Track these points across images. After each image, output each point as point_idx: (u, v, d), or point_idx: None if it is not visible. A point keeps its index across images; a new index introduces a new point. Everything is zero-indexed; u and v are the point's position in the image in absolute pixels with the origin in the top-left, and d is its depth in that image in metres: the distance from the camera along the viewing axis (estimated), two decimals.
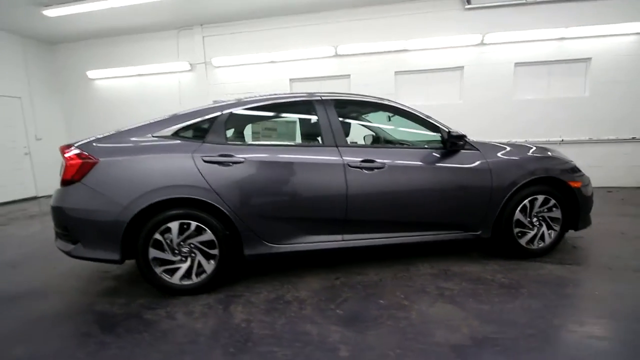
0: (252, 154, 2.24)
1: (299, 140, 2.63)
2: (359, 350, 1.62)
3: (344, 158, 2.31)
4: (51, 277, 2.68)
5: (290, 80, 6.39)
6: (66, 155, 2.14)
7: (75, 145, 2.22)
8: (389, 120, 2.90)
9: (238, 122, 2.49)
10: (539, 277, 2.35)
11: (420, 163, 2.44)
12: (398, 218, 2.45)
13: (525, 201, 2.57)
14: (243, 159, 2.19)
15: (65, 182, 2.13)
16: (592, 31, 5.25)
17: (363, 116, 3.00)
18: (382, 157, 2.38)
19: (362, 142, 3.14)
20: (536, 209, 2.62)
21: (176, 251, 2.17)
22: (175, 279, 2.18)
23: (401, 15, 5.80)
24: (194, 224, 2.14)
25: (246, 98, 2.48)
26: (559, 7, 5.30)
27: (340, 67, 6.18)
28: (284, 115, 2.58)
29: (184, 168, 2.13)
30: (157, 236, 2.11)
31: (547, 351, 1.58)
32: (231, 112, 2.35)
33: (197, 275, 2.20)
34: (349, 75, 6.19)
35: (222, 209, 2.15)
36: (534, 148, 2.78)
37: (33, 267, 2.93)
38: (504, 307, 1.97)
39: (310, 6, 5.84)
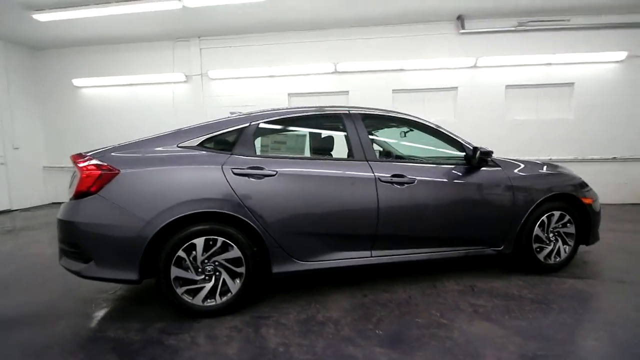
0: (284, 166, 2.16)
1: (307, 153, 2.59)
2: None
3: (375, 172, 2.28)
4: (48, 298, 2.41)
5: (289, 94, 6.39)
6: (81, 165, 1.98)
7: (90, 154, 2.07)
8: (404, 135, 2.93)
9: (266, 134, 2.41)
10: (563, 292, 2.37)
11: (448, 179, 2.45)
12: (426, 234, 2.43)
13: (544, 217, 2.63)
14: (274, 172, 2.11)
15: (78, 195, 1.95)
16: (576, 58, 5.64)
17: (380, 131, 3.01)
18: (411, 172, 2.37)
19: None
20: (553, 225, 2.68)
21: (199, 270, 2.02)
22: (198, 299, 2.02)
23: (399, 36, 5.99)
24: (220, 240, 2.01)
25: (272, 110, 2.42)
26: (547, 34, 5.68)
27: (339, 84, 6.25)
28: (311, 127, 2.54)
29: (214, 180, 2.02)
30: (181, 253, 1.96)
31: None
32: (259, 124, 2.27)
33: (221, 295, 2.06)
34: (347, 92, 6.27)
35: (252, 225, 2.04)
36: (546, 165, 2.87)
37: (25, 287, 2.65)
38: (540, 324, 1.96)
39: (310, 24, 5.93)
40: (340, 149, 2.93)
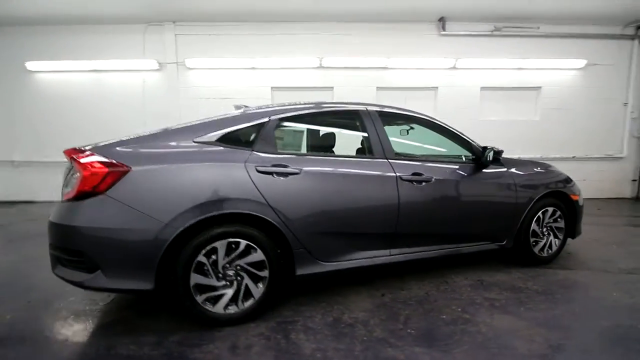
0: (308, 165, 2.06)
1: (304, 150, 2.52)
2: None
3: (396, 171, 2.27)
4: (33, 314, 2.09)
5: (272, 88, 6.19)
6: (83, 161, 1.73)
7: (90, 148, 1.82)
8: (407, 133, 2.96)
9: (285, 130, 2.28)
10: (560, 283, 2.55)
11: (461, 177, 2.51)
12: (440, 231, 2.47)
13: (539, 213, 2.81)
14: (299, 170, 2.01)
15: (80, 195, 1.70)
16: (543, 64, 6.09)
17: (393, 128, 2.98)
18: (428, 171, 2.39)
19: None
20: (546, 220, 2.87)
21: (220, 275, 1.87)
22: (219, 307, 1.87)
23: (383, 34, 6.05)
24: (243, 242, 1.87)
25: (290, 105, 2.29)
26: (519, 40, 6.07)
27: (324, 79, 6.18)
28: (330, 124, 2.45)
29: (237, 179, 1.87)
30: (201, 258, 1.80)
31: (618, 351, 1.70)
32: (280, 119, 2.15)
33: (243, 301, 1.93)
34: (332, 88, 6.22)
35: (277, 226, 1.93)
36: (539, 163, 3.06)
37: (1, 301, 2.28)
38: (553, 314, 2.09)
39: (295, 15, 5.78)
40: (345, 145, 2.90)
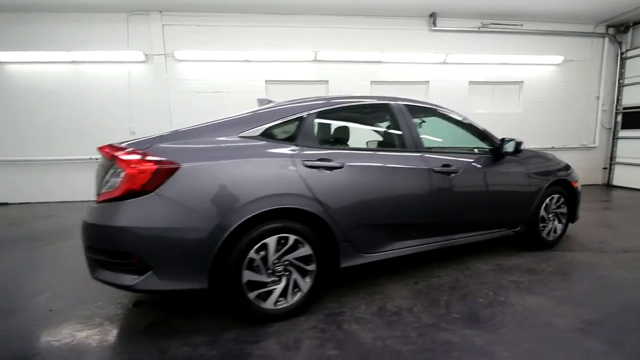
0: (349, 158, 2.07)
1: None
2: (511, 348, 1.65)
3: (428, 163, 2.33)
4: (62, 322, 1.96)
5: (267, 82, 6.07)
6: (127, 158, 1.64)
7: (130, 145, 1.73)
8: (420, 126, 3.04)
9: (323, 124, 2.26)
10: (570, 264, 2.76)
11: (484, 168, 2.63)
12: (465, 220, 2.58)
13: (547, 200, 3.00)
14: (341, 164, 2.02)
15: (126, 194, 1.62)
16: (525, 59, 6.43)
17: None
18: (454, 162, 2.48)
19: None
20: (552, 206, 3.08)
21: (270, 271, 1.85)
22: (270, 303, 1.86)
23: (377, 29, 6.10)
24: (292, 237, 1.87)
25: (322, 98, 2.28)
26: (503, 37, 6.35)
27: (319, 73, 6.15)
28: (364, 117, 2.47)
29: (287, 174, 1.85)
30: (253, 255, 1.77)
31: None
32: (318, 113, 2.13)
33: (292, 295, 1.92)
34: (327, 81, 6.20)
35: (325, 220, 1.93)
36: (543, 153, 3.26)
37: (24, 311, 2.11)
38: (575, 292, 2.27)
39: (289, 8, 5.68)
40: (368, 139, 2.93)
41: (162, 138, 1.79)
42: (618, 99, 6.73)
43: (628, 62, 6.51)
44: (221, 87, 5.98)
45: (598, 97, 6.83)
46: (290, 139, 2.01)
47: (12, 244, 3.55)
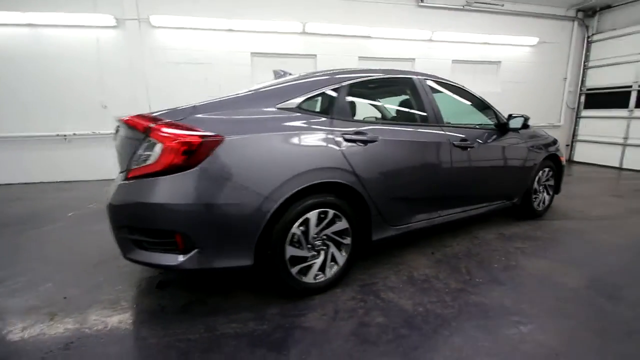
0: (381, 132, 2.07)
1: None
2: (537, 305, 1.82)
3: (449, 138, 2.40)
4: (84, 309, 1.83)
5: (252, 54, 5.76)
6: (167, 131, 1.51)
7: (163, 115, 1.59)
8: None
9: (354, 96, 2.20)
10: (561, 231, 3.04)
11: (495, 142, 2.75)
12: (478, 192, 2.73)
13: (540, 173, 3.24)
14: (376, 138, 2.01)
15: (167, 169, 1.50)
16: (504, 40, 6.67)
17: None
18: (470, 137, 2.57)
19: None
20: (543, 179, 3.33)
21: (310, 246, 1.85)
22: (310, 277, 1.88)
23: (366, 1, 5.96)
24: (331, 212, 1.87)
25: (349, 70, 2.22)
26: (486, 16, 6.50)
27: (307, 46, 5.94)
28: (390, 91, 2.44)
29: (328, 148, 1.82)
30: (295, 230, 1.75)
31: (636, 271, 2.16)
32: (349, 85, 2.08)
33: (330, 268, 1.95)
34: (315, 55, 6.02)
35: (361, 193, 1.94)
36: (535, 128, 3.47)
37: (35, 301, 1.92)
38: (572, 255, 2.52)
39: None
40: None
41: (195, 109, 1.66)
42: (582, 81, 7.27)
43: (593, 45, 7.00)
44: (203, 58, 5.60)
45: (565, 79, 7.32)
46: (325, 112, 1.95)
47: None
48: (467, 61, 6.77)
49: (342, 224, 1.93)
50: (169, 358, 1.45)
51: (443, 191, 2.44)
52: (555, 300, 1.89)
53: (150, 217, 1.53)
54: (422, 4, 6.19)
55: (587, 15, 6.97)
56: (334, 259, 1.96)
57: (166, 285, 2.07)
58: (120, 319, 1.73)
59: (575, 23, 7.03)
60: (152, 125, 1.53)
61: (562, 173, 3.53)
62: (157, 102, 5.50)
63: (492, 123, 2.93)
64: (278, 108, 1.80)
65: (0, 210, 3.88)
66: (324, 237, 1.90)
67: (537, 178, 3.22)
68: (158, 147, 1.51)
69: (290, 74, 2.64)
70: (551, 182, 3.43)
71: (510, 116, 2.85)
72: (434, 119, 2.41)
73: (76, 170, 5.44)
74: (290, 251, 1.76)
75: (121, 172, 1.68)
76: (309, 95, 1.92)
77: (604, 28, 6.82)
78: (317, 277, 1.91)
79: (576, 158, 7.52)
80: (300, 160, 1.72)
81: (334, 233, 1.93)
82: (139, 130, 1.56)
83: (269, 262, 1.71)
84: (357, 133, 1.95)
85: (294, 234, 1.76)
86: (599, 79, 6.97)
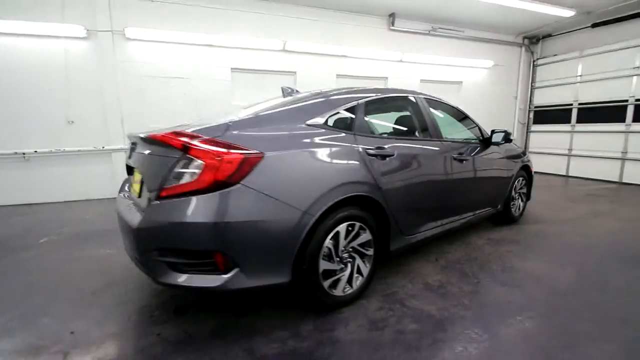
0: (397, 147, 2.20)
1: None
2: (546, 301, 2.02)
3: (449, 151, 2.60)
4: (103, 340, 1.68)
5: (232, 69, 5.73)
6: (206, 147, 1.49)
7: (197, 131, 1.58)
8: None
9: (371, 114, 2.31)
10: (539, 234, 3.37)
11: (482, 155, 3.02)
12: (471, 200, 2.95)
13: (516, 182, 3.60)
14: (393, 152, 2.14)
15: (208, 187, 1.48)
16: (464, 62, 7.34)
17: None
18: (464, 150, 2.81)
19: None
20: (518, 187, 3.70)
21: (338, 259, 1.89)
22: (340, 290, 1.91)
23: (344, 24, 6.27)
24: (357, 224, 1.93)
25: (363, 89, 2.35)
26: (448, 40, 7.14)
27: (287, 63, 6.05)
28: (396, 108, 2.59)
29: (356, 162, 1.91)
30: (327, 243, 1.79)
31: (613, 267, 2.47)
32: (365, 102, 2.20)
33: (355, 281, 2.00)
34: (295, 72, 6.15)
35: (383, 205, 2.04)
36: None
37: (38, 338, 1.71)
38: (555, 255, 2.81)
39: None
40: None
41: (229, 126, 1.66)
42: (531, 99, 8.19)
43: (538, 68, 7.96)
44: (181, 72, 5.46)
45: (516, 97, 8.20)
46: (348, 128, 2.04)
47: None
48: (433, 81, 7.32)
49: (366, 236, 2.00)
50: None
51: (446, 201, 2.62)
52: (560, 295, 2.11)
53: (190, 237, 1.48)
54: (393, 27, 6.64)
55: (532, 42, 7.94)
56: (359, 271, 2.01)
57: (184, 310, 1.97)
58: (146, 352, 1.61)
59: (523, 49, 7.97)
60: (191, 142, 1.50)
61: (532, 181, 3.94)
62: (131, 116, 5.24)
63: (476, 137, 3.21)
64: (307, 125, 1.86)
65: None
66: (350, 249, 1.95)
67: (514, 186, 3.56)
68: (198, 165, 1.49)
69: (297, 91, 2.71)
70: (524, 190, 3.81)
71: (493, 131, 3.15)
72: (435, 134, 2.61)
73: (37, 192, 4.93)
74: (323, 265, 1.79)
75: (150, 191, 1.60)
76: (333, 112, 2.00)
77: (547, 53, 7.80)
78: (346, 290, 1.94)
79: None
80: (334, 175, 1.78)
81: (359, 245, 1.99)
82: (176, 147, 1.52)
83: (304, 278, 1.72)
84: (377, 148, 2.06)
85: (326, 248, 1.79)
86: (544, 98, 7.91)
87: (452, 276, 2.39)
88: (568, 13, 6.11)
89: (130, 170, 2.25)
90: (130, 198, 2.05)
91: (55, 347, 1.65)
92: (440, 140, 2.61)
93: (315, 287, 1.77)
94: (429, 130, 2.59)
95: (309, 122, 1.87)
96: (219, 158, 1.47)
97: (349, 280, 1.96)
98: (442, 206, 2.62)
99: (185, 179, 1.50)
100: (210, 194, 1.48)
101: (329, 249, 1.81)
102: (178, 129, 1.62)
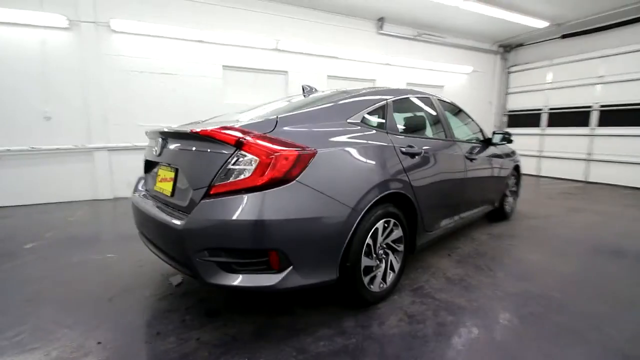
0: (422, 145, 2.27)
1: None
2: (562, 288, 2.17)
3: (463, 150, 2.73)
4: (133, 353, 1.58)
5: (224, 67, 5.59)
6: (263, 144, 1.46)
7: (246, 127, 1.54)
8: None
9: (398, 113, 2.36)
10: (530, 228, 3.62)
11: (487, 154, 3.19)
12: (478, 197, 3.10)
13: (509, 180, 3.83)
14: (421, 150, 2.20)
15: (265, 184, 1.45)
16: (446, 67, 7.68)
17: None
18: (472, 150, 2.95)
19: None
20: (511, 185, 3.94)
21: (375, 255, 1.92)
22: (376, 286, 1.94)
23: (335, 25, 6.33)
24: (392, 221, 1.98)
25: (386, 89, 2.39)
26: (431, 46, 7.44)
27: (280, 63, 6.00)
28: (415, 109, 2.65)
29: (393, 160, 1.95)
30: (368, 240, 1.82)
31: (604, 256, 2.70)
32: (393, 101, 2.25)
33: (389, 277, 2.04)
34: (286, 72, 6.12)
35: (413, 202, 2.10)
36: None
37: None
38: (553, 247, 3.03)
39: None
40: None
41: (278, 122, 1.63)
42: (504, 104, 8.72)
43: (511, 75, 8.50)
44: (170, 68, 5.24)
45: (491, 102, 8.70)
46: (381, 127, 2.08)
47: None
48: (418, 84, 7.57)
49: (398, 232, 2.05)
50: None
51: (460, 197, 2.74)
52: (572, 284, 2.28)
53: (245, 236, 1.44)
54: (381, 31, 6.81)
55: (506, 50, 8.46)
56: (391, 267, 2.05)
57: (216, 313, 1.90)
58: (192, 357, 1.54)
59: (498, 56, 8.47)
60: (246, 138, 1.46)
61: (520, 180, 4.20)
62: (116, 112, 4.95)
63: (480, 137, 3.39)
64: (349, 122, 1.87)
65: None
66: (384, 245, 1.99)
67: (508, 184, 3.79)
68: (253, 161, 1.45)
69: (316, 90, 2.71)
70: (515, 188, 4.06)
71: (494, 132, 3.34)
72: (450, 134, 2.73)
73: (9, 194, 4.50)
74: (365, 262, 1.81)
75: (195, 188, 1.54)
76: (368, 110, 2.03)
77: (519, 61, 8.36)
78: (381, 286, 1.97)
79: None
80: (378, 172, 1.82)
81: (392, 241, 2.03)
82: (229, 142, 1.47)
83: (348, 275, 1.73)
84: (408, 146, 2.12)
85: (367, 244, 1.81)
86: (517, 103, 8.47)
87: (469, 270, 2.50)
88: (543, 24, 6.60)
89: (148, 168, 2.14)
90: (155, 197, 1.95)
91: (86, 359, 1.53)
92: (454, 140, 2.73)
93: (358, 284, 1.79)
94: (444, 131, 2.70)
95: (350, 119, 1.89)
96: (276, 154, 1.45)
97: (383, 276, 2.00)
98: (456, 203, 2.74)
99: (239, 176, 1.46)
100: (266, 191, 1.45)
101: (369, 245, 1.83)
102: (226, 124, 1.57)
